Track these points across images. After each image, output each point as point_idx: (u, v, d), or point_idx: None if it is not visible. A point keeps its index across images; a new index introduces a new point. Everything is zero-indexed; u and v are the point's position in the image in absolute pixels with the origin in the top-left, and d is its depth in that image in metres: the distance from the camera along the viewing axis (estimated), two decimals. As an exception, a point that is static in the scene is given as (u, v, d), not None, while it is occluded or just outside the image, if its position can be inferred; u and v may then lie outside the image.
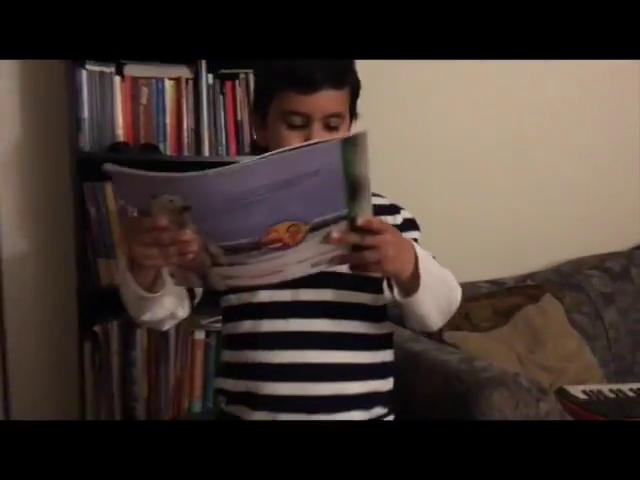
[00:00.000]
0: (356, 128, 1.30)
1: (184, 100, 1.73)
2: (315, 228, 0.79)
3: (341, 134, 0.92)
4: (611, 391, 1.62)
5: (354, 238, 0.79)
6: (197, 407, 1.69)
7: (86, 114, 1.64)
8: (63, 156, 1.62)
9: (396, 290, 0.88)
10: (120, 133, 1.69)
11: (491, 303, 1.85)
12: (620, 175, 2.35)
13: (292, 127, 0.92)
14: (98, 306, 1.63)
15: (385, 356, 1.03)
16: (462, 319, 1.79)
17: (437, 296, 0.91)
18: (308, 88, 0.89)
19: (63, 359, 1.72)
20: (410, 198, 1.99)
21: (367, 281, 0.95)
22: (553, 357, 1.68)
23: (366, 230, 0.79)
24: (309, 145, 0.75)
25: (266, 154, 0.74)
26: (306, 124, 0.91)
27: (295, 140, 0.91)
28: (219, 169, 0.73)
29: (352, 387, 0.95)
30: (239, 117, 1.77)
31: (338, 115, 0.92)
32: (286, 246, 0.79)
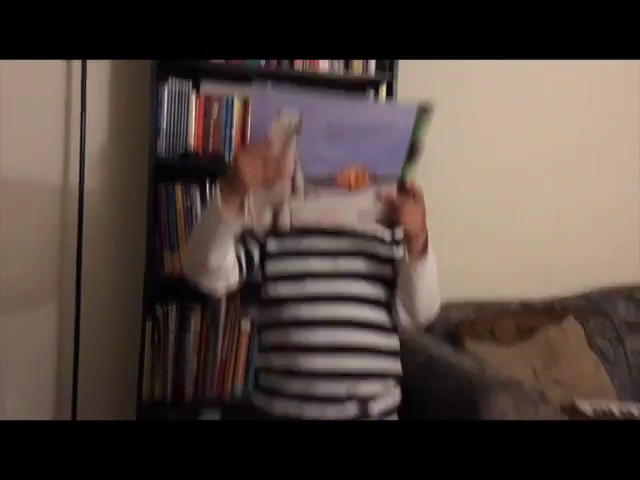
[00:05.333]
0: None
1: (249, 116, 1.95)
2: (374, 182, 1.01)
3: None
4: (620, 412, 1.72)
5: (399, 199, 1.03)
6: (238, 388, 1.90)
7: (165, 124, 1.89)
8: (142, 159, 1.87)
9: (408, 254, 1.10)
10: (192, 142, 1.93)
11: (516, 321, 1.98)
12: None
13: None
14: (161, 291, 1.86)
15: (397, 342, 1.21)
16: (486, 332, 1.93)
17: (430, 285, 1.12)
18: None
19: (128, 332, 1.97)
20: (448, 218, 2.19)
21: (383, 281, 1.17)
22: (568, 374, 1.79)
23: (409, 194, 1.03)
24: (392, 104, 0.98)
25: (360, 102, 1.00)
26: None
27: None
28: (334, 99, 0.95)
29: (374, 363, 1.14)
30: (297, 134, 1.98)
31: None
32: (349, 189, 1.01)
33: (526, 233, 2.33)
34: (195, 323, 1.85)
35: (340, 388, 1.11)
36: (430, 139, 2.25)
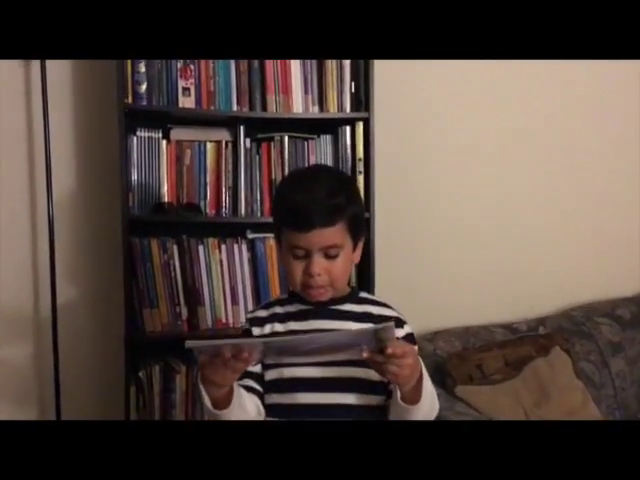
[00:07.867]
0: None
1: (223, 161, 1.88)
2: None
3: (340, 260, 1.09)
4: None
5: (380, 359, 0.97)
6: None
7: (135, 176, 1.81)
8: (114, 215, 1.79)
9: (399, 396, 1.04)
10: (165, 192, 1.85)
11: (503, 354, 1.97)
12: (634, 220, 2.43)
13: (296, 257, 1.08)
14: (143, 351, 1.80)
15: None
16: (475, 369, 1.92)
17: (424, 411, 1.07)
18: (304, 228, 1.05)
19: (111, 399, 1.89)
20: (429, 242, 2.17)
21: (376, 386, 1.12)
22: (557, 411, 1.80)
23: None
24: (350, 331, 1.03)
25: (321, 334, 1.01)
26: (307, 255, 1.07)
27: (298, 268, 1.08)
28: (279, 339, 1.03)
29: None
30: (274, 177, 1.90)
31: (334, 246, 1.07)
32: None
33: (507, 254, 2.31)
34: (181, 383, 1.80)
35: None
36: (413, 172, 2.20)
